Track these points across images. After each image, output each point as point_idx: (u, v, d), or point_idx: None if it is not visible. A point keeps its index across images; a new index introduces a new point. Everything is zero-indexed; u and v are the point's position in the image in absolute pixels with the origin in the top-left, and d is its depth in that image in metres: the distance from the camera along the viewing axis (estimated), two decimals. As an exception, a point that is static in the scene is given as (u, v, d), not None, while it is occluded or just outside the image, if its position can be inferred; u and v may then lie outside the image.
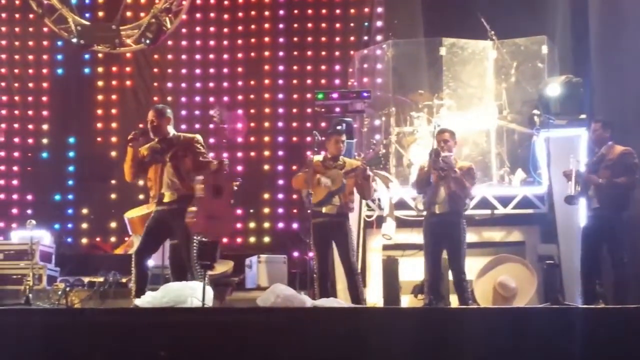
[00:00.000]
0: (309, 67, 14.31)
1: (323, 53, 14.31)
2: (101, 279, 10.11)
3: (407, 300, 10.01)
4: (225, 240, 12.85)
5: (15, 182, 14.29)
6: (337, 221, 9.03)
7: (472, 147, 11.29)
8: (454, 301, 9.36)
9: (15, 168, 14.35)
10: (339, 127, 10.77)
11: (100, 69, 14.62)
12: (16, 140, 14.37)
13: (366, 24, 14.06)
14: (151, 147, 8.35)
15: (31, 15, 14.12)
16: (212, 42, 14.61)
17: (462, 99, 11.56)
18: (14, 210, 14.02)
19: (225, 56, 14.56)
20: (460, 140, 10.04)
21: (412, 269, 10.09)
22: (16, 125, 14.41)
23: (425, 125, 11.22)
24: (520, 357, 6.31)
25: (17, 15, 14.56)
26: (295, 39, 14.43)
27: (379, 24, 13.93)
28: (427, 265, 9.10)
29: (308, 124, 13.81)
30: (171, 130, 8.40)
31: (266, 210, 13.88)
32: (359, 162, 9.24)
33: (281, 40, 14.48)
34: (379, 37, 13.66)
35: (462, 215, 9.13)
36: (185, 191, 8.20)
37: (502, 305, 9.79)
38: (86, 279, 10.39)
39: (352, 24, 14.27)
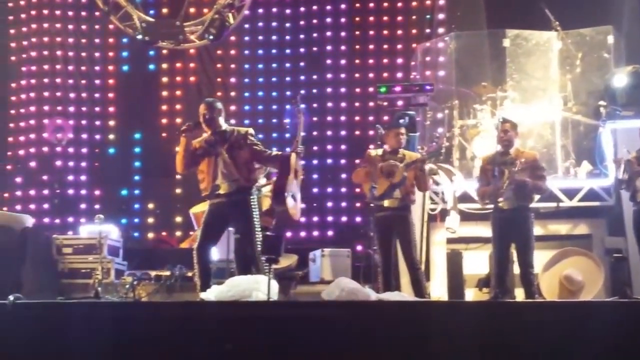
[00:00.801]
0: (371, 61, 14.28)
1: (385, 46, 14.27)
2: (167, 273, 10.21)
3: (471, 294, 9.94)
4: (289, 234, 12.94)
5: (83, 177, 14.52)
6: (400, 214, 8.99)
7: (536, 139, 11.16)
8: (519, 295, 9.27)
9: (83, 164, 14.57)
10: (401, 121, 10.75)
11: (164, 65, 14.78)
12: (84, 136, 14.60)
13: (428, 16, 13.98)
14: (205, 139, 8.39)
15: (97, 13, 14.36)
16: (274, 37, 14.67)
17: (526, 91, 11.43)
18: (83, 206, 14.25)
19: (288, 51, 14.61)
20: (525, 132, 9.94)
21: (477, 263, 10.02)
22: (84, 122, 14.63)
23: (489, 117, 11.13)
24: (587, 351, 6.22)
25: (83, 13, 14.79)
26: (357, 32, 14.43)
27: (441, 16, 13.83)
28: (495, 258, 9.00)
29: (370, 118, 13.80)
30: (223, 122, 8.45)
31: (329, 204, 13.90)
32: (419, 154, 9.20)
33: (343, 34, 14.48)
34: (441, 30, 13.57)
35: (530, 208, 9.02)
36: (243, 182, 8.26)
37: (569, 299, 9.67)
38: (153, 273, 10.49)
39: (414, 17, 14.21)
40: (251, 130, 8.46)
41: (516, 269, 9.05)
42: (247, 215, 8.21)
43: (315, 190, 13.89)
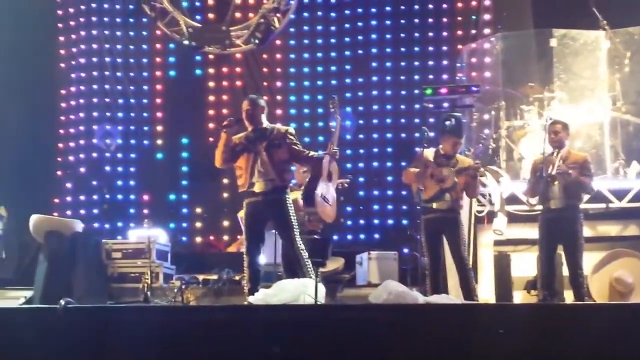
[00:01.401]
0: (416, 63, 14.24)
1: (430, 48, 14.23)
2: (215, 277, 10.27)
3: (519, 296, 9.85)
4: (335, 237, 12.93)
5: (132, 182, 14.66)
6: (449, 217, 8.95)
7: (585, 139, 11.03)
8: (568, 297, 9.17)
9: (132, 169, 14.72)
10: (447, 123, 10.67)
11: (211, 70, 14.86)
12: (132, 142, 14.74)
13: (474, 17, 13.91)
14: (245, 135, 8.42)
15: (145, 19, 14.51)
16: (319, 41, 14.69)
17: (574, 91, 11.30)
18: (131, 210, 14.38)
19: (333, 54, 14.61)
20: (573, 133, 9.81)
21: (525, 265, 9.92)
22: (132, 127, 14.77)
23: (536, 118, 11.02)
24: (638, 354, 6.14)
25: (131, 20, 14.92)
26: (403, 34, 14.38)
27: (487, 17, 13.77)
28: (542, 260, 8.92)
29: (416, 120, 13.74)
30: (264, 120, 8.47)
31: (375, 207, 13.88)
32: (471, 161, 9.15)
33: (388, 36, 14.45)
34: (487, 31, 13.51)
35: (579, 209, 8.92)
36: (279, 182, 8.28)
37: (619, 301, 9.54)
38: (201, 277, 10.56)
39: (459, 18, 14.15)
40: (291, 130, 8.49)
41: (565, 271, 8.97)
42: (282, 214, 8.24)
43: (361, 193, 13.89)
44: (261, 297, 7.65)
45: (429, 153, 9.16)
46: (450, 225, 8.94)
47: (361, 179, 13.86)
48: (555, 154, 8.94)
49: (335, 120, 8.98)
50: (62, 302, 6.88)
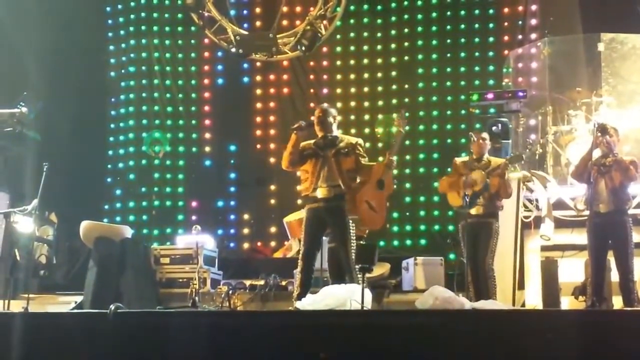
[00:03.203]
0: (462, 69, 14.15)
1: (477, 54, 14.12)
2: (262, 282, 10.29)
3: (567, 302, 9.74)
4: (382, 243, 12.90)
5: (180, 189, 14.74)
6: (482, 222, 9.03)
7: (633, 144, 10.89)
8: (617, 303, 9.04)
9: (180, 176, 14.80)
10: (494, 128, 10.68)
11: (258, 78, 14.91)
12: (181, 149, 14.83)
13: (520, 22, 13.80)
14: (315, 141, 8.53)
15: (193, 28, 14.61)
16: (365, 47, 14.65)
17: (622, 96, 11.19)
18: (180, 217, 14.48)
19: (379, 60, 14.57)
20: (622, 138, 9.69)
21: (572, 270, 9.80)
22: (181, 135, 14.87)
23: (584, 123, 10.92)
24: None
25: (180, 28, 15.04)
26: (449, 40, 14.30)
27: (534, 21, 13.64)
28: (592, 266, 8.81)
29: (462, 126, 13.67)
30: (335, 129, 8.56)
31: (422, 212, 13.81)
32: (503, 160, 9.13)
33: (434, 42, 14.38)
34: (533, 35, 13.39)
35: (627, 213, 8.81)
36: (341, 190, 8.35)
37: (670, 307, 9.37)
38: (248, 282, 10.58)
39: (505, 23, 14.03)
40: (361, 141, 8.65)
41: (614, 277, 8.85)
42: (343, 223, 8.31)
43: (407, 199, 13.83)
44: (308, 302, 7.66)
45: (463, 160, 9.22)
46: (483, 230, 8.99)
47: (408, 185, 13.81)
48: (604, 157, 8.83)
49: (399, 130, 9.05)
50: (112, 307, 6.94)
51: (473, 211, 9.02)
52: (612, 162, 8.78)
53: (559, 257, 10.01)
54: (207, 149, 14.86)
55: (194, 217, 14.13)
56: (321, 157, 8.42)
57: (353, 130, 14.06)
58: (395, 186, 9.73)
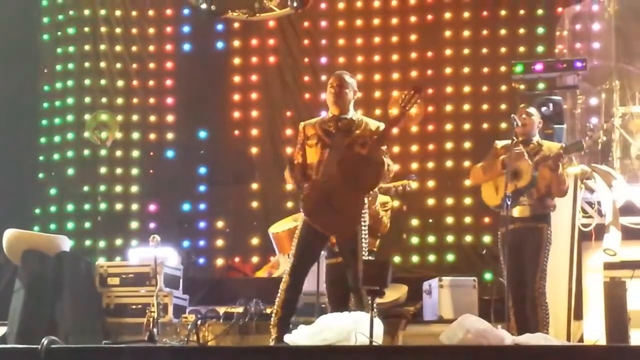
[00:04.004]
0: (502, 32, 14.17)
1: (521, 12, 14.15)
2: (240, 310, 10.31)
3: (639, 336, 9.77)
4: (397, 258, 12.91)
5: (134, 188, 14.76)
6: (530, 226, 9.01)
7: None
8: None
9: (134, 171, 14.82)
10: (543, 109, 10.69)
11: (236, 43, 14.95)
12: (135, 135, 14.85)
13: None
14: (323, 124, 8.53)
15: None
16: (376, 3, 14.67)
17: None
18: (133, 224, 14.51)
19: (394, 20, 14.60)
20: None
21: (646, 295, 9.86)
22: (135, 117, 14.89)
23: (662, 103, 10.97)
24: None
25: (135, -20, 15.07)
26: (485, -5, 14.35)
27: (597, -29, 13.68)
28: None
29: (503, 106, 13.69)
30: (352, 109, 8.60)
31: (449, 219, 13.83)
32: (559, 146, 9.12)
33: (466, -3, 14.42)
34: (596, -12, 13.44)
35: None
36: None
37: None
38: (222, 310, 10.61)
39: (559, -26, 14.07)
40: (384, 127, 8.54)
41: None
42: (352, 233, 8.28)
43: (430, 201, 13.84)
44: (302, 335, 7.67)
45: (505, 143, 9.15)
46: (530, 239, 8.98)
47: (431, 183, 13.82)
48: None
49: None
50: (45, 340, 6.92)
51: (516, 213, 8.96)
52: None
53: (628, 277, 10.04)
54: (170, 135, 14.88)
55: (152, 225, 14.18)
56: (329, 146, 8.40)
57: (359, 111, 14.07)
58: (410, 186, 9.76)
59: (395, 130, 9.02)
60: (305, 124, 8.54)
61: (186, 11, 14.80)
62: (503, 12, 14.22)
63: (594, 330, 9.94)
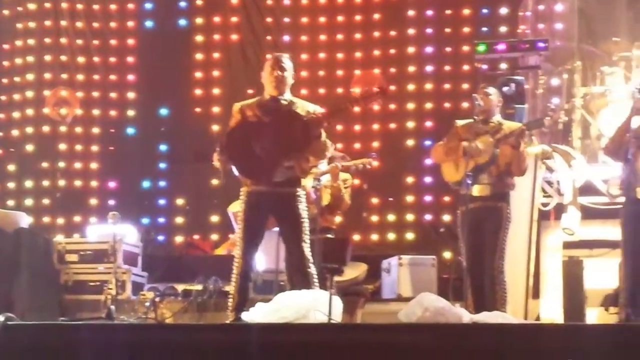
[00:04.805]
0: (466, 11, 14.20)
1: (484, -9, 14.20)
2: (199, 287, 10.30)
3: (595, 315, 9.84)
4: (357, 237, 12.93)
5: (94, 165, 14.72)
6: (491, 206, 8.98)
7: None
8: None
9: (94, 148, 14.77)
10: (505, 89, 10.70)
11: (199, 20, 14.93)
12: (95, 112, 14.78)
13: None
14: (260, 104, 8.46)
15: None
16: (340, -19, 14.67)
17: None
18: (93, 201, 14.48)
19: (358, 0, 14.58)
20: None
21: (602, 274, 9.90)
22: (95, 94, 14.82)
23: (622, 83, 10.99)
24: None
25: (95, -45, 14.95)
26: (449, -26, 14.36)
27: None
28: (626, 268, 8.89)
29: (465, 86, 13.73)
30: (288, 91, 8.51)
31: (409, 198, 13.88)
32: (519, 125, 9.11)
33: (430, -24, 14.43)
34: (558, -32, 13.47)
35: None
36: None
37: None
38: (180, 287, 10.60)
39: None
40: (320, 110, 8.46)
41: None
42: (294, 214, 8.25)
43: (391, 180, 13.84)
44: (258, 313, 7.67)
45: (466, 122, 9.15)
46: (490, 218, 8.96)
47: (391, 162, 13.81)
48: None
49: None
50: (1, 317, 6.90)
51: (476, 192, 8.91)
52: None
53: (586, 256, 10.10)
54: (131, 112, 14.85)
55: (111, 202, 14.15)
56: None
57: (322, 91, 14.08)
58: (370, 164, 9.76)
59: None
60: (243, 105, 8.43)
61: (149, -13, 14.76)
62: (466, -8, 14.27)
63: (551, 309, 9.99)
